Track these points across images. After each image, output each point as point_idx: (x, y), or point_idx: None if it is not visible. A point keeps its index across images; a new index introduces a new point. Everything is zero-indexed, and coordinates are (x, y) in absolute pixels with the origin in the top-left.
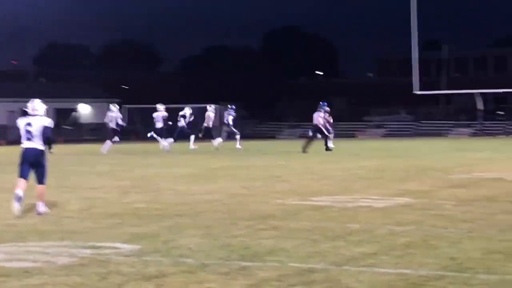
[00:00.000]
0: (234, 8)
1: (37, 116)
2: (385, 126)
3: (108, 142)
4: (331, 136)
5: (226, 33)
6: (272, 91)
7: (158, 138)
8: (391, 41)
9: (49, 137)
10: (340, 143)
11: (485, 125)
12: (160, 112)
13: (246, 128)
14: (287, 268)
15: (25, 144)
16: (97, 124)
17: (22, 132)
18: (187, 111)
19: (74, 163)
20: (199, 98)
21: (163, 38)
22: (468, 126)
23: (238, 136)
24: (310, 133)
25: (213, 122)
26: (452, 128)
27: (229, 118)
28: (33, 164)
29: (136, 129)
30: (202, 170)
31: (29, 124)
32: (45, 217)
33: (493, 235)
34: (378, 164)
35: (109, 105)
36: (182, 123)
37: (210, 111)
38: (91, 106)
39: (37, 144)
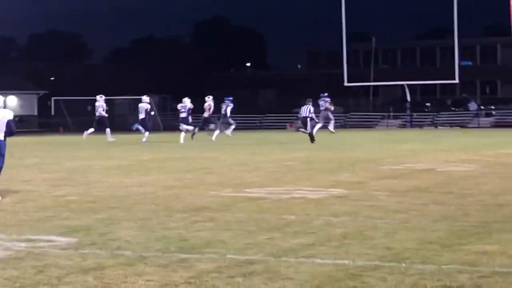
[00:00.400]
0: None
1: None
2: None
3: (107, 130)
4: (332, 122)
5: (155, 24)
6: (201, 83)
7: (142, 130)
8: (320, 33)
9: (13, 131)
10: (270, 135)
11: (414, 116)
12: (144, 104)
13: (176, 120)
14: (225, 260)
15: None
16: (23, 116)
17: None
18: (187, 101)
19: None
20: (128, 90)
21: (91, 30)
22: (396, 117)
23: (233, 126)
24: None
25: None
26: (381, 120)
27: (228, 109)
28: None
29: (64, 121)
30: (133, 162)
31: None
32: None
33: (427, 226)
34: (309, 155)
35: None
36: (184, 114)
37: (209, 101)
38: (18, 98)
39: (0, 134)
